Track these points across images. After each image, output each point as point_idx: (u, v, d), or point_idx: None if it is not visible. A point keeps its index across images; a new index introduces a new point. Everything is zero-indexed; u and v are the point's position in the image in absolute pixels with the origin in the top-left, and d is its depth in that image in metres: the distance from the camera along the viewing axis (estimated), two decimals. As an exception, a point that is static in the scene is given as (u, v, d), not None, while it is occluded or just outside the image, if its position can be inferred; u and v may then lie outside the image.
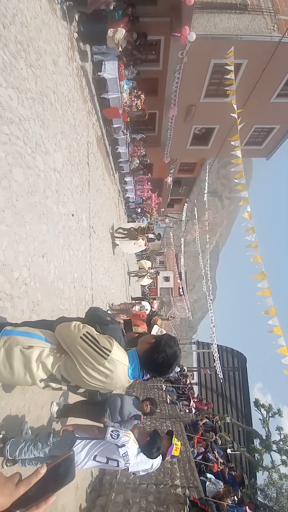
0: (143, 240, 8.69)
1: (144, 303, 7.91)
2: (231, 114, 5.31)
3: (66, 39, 4.86)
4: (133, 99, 8.46)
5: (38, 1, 3.69)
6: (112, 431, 2.46)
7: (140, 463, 2.54)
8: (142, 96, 8.83)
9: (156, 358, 1.41)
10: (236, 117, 5.42)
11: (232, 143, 5.14)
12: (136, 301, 8.67)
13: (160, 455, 2.77)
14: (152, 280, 13.30)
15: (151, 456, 2.56)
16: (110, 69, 6.44)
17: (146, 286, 30.49)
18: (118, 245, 8.60)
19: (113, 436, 2.43)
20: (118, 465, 2.43)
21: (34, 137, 3.12)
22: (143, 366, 1.45)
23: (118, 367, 1.33)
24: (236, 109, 5.50)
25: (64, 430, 2.51)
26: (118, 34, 5.36)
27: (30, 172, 2.96)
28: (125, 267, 12.02)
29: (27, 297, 2.69)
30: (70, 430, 2.52)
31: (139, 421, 3.11)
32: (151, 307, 8.71)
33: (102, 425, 2.76)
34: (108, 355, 1.30)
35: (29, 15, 3.34)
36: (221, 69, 9.35)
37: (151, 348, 1.45)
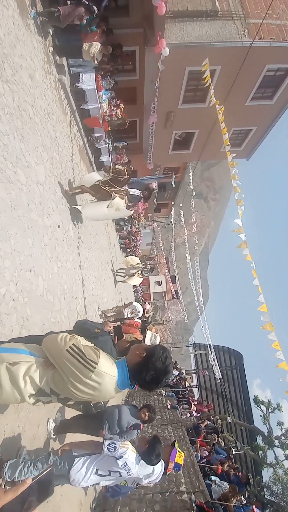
0: (122, 198, 5.41)
1: (136, 304, 7.66)
2: (221, 124, 5.44)
3: (42, 53, 4.90)
4: (112, 108, 8.57)
5: (11, 18, 3.71)
6: (108, 444, 2.44)
7: (140, 468, 2.53)
8: (121, 105, 8.96)
9: (145, 376, 1.38)
10: (222, 125, 5.55)
11: (228, 150, 5.27)
12: (128, 304, 7.92)
13: (162, 461, 2.75)
14: (142, 278, 11.38)
15: (150, 462, 2.54)
16: (88, 81, 6.52)
17: (139, 291, 30.37)
18: (81, 212, 5.36)
19: (110, 450, 2.41)
20: (120, 475, 2.42)
21: (14, 152, 3.11)
22: (132, 378, 1.43)
23: (106, 379, 1.31)
24: (220, 117, 5.63)
25: (62, 450, 2.48)
26: (94, 48, 5.44)
27: (12, 187, 2.94)
28: (108, 265, 10.42)
29: (16, 312, 2.65)
30: (67, 450, 2.48)
31: (138, 430, 3.08)
32: (143, 309, 8.01)
33: (100, 439, 2.72)
34: (94, 368, 1.28)
35: (2, 32, 3.36)
36: (196, 75, 9.64)
37: (141, 364, 1.41)
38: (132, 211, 5.65)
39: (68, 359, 1.29)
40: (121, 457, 2.40)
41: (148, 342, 4.88)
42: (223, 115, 5.60)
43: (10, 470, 2.11)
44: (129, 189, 6.33)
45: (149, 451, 2.56)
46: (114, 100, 8.78)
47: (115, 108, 8.66)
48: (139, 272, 10.63)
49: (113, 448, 2.41)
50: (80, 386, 1.28)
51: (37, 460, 2.26)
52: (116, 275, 10.87)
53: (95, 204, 5.53)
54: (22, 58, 3.89)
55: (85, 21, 5.50)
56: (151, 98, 9.81)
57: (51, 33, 5.39)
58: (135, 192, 7.10)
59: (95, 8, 5.75)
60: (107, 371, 1.32)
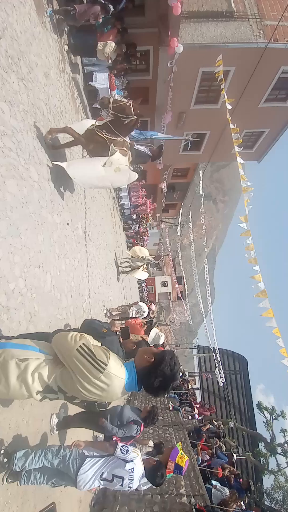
0: (124, 155, 3.95)
1: (141, 304, 7.55)
2: (230, 126, 5.41)
3: (57, 51, 4.94)
4: (124, 108, 8.57)
5: (28, 15, 3.75)
6: (122, 446, 2.47)
7: (142, 485, 2.56)
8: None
9: (153, 382, 1.38)
10: (231, 126, 5.52)
11: (237, 151, 5.22)
12: (133, 303, 7.74)
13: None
14: (147, 274, 10.22)
15: (154, 482, 2.56)
16: (101, 80, 6.54)
17: (144, 291, 30.31)
18: (67, 172, 3.76)
19: (122, 451, 2.45)
20: (122, 484, 2.43)
21: (27, 149, 3.15)
22: (139, 382, 1.42)
23: (114, 380, 1.31)
24: (229, 118, 5.60)
25: (76, 444, 2.51)
26: (108, 47, 5.46)
27: (23, 183, 2.97)
28: (111, 258, 9.34)
29: (24, 308, 2.67)
30: (81, 446, 2.52)
31: (138, 427, 3.08)
32: (149, 309, 7.86)
33: (111, 441, 2.73)
34: (104, 369, 1.28)
35: (19, 29, 3.39)
36: (209, 76, 9.56)
37: (149, 369, 1.41)
38: (137, 175, 4.11)
39: (78, 359, 1.29)
40: (131, 461, 2.42)
41: (151, 340, 4.88)
42: (232, 107, 5.48)
43: (21, 460, 2.14)
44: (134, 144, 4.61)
45: (156, 469, 2.57)
46: (127, 100, 8.78)
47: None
48: (145, 266, 9.61)
49: (125, 451, 2.44)
50: (88, 386, 1.28)
51: (48, 451, 2.30)
52: (120, 266, 9.92)
53: (86, 161, 3.99)
54: (38, 56, 3.92)
55: (100, 20, 5.52)
56: (164, 98, 9.78)
57: (66, 32, 5.44)
58: (140, 148, 5.23)
59: (111, 7, 5.76)
60: (116, 373, 1.32)
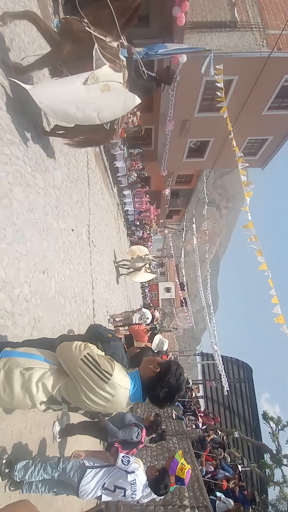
0: (117, 71, 2.60)
1: (145, 310, 7.44)
2: (230, 131, 5.46)
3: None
4: (129, 116, 8.72)
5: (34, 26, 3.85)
6: (123, 456, 2.43)
7: (145, 498, 2.50)
8: (138, 113, 9.10)
9: (159, 393, 1.37)
10: (232, 134, 5.57)
11: (239, 158, 5.27)
12: (137, 310, 7.62)
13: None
14: (151, 275, 9.28)
15: (158, 492, 2.52)
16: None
17: (148, 296, 30.16)
18: (30, 94, 2.37)
19: (124, 462, 2.40)
20: (124, 495, 2.39)
21: (33, 156, 3.20)
22: (144, 392, 1.40)
23: (119, 391, 1.29)
24: (229, 125, 5.67)
25: (76, 455, 2.47)
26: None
27: (30, 190, 3.02)
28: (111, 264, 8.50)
29: (28, 314, 2.68)
30: (82, 456, 2.48)
31: (139, 430, 3.05)
32: (153, 316, 7.68)
33: (111, 450, 2.69)
34: (109, 379, 1.26)
35: (26, 40, 3.49)
36: (213, 85, 9.68)
37: (155, 379, 1.39)
38: (137, 99, 2.76)
39: (83, 369, 1.28)
40: (133, 472, 2.37)
41: (154, 347, 4.84)
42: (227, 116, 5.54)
43: (21, 472, 2.13)
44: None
45: (159, 480, 2.52)
46: (131, 108, 8.93)
47: (131, 116, 8.80)
48: (147, 266, 8.69)
49: (126, 462, 2.39)
50: (93, 397, 1.27)
51: (47, 465, 2.27)
52: (119, 266, 9.00)
53: (60, 80, 2.64)
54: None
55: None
56: (167, 106, 9.93)
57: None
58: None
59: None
60: (121, 383, 1.30)
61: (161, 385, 1.37)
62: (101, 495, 2.43)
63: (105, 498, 2.49)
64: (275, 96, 10.41)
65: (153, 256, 9.41)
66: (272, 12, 9.61)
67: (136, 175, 12.29)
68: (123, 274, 9.25)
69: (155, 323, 8.67)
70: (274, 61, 8.65)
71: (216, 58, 8.48)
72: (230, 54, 8.79)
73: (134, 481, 2.39)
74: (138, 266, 8.52)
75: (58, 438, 3.03)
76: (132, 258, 8.70)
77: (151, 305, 28.61)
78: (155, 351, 4.80)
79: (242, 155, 5.30)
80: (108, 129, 2.94)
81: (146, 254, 8.80)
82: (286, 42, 9.11)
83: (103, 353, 1.51)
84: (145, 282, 27.37)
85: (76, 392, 1.28)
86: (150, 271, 9.11)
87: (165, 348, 5.14)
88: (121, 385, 1.30)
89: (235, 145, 5.44)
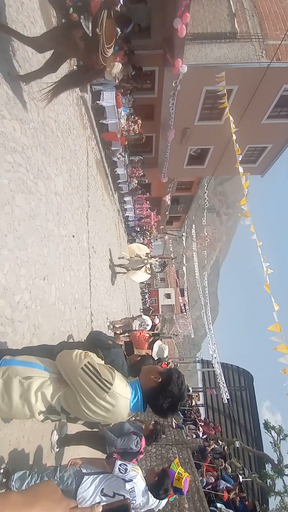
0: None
1: (145, 317, 7.23)
2: (233, 134, 5.53)
3: (66, 71, 5.15)
4: (130, 124, 8.84)
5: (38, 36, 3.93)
6: (120, 464, 2.38)
7: (146, 505, 2.44)
8: (139, 121, 9.23)
9: (162, 403, 1.35)
10: (234, 140, 5.66)
11: (238, 160, 5.34)
12: (137, 316, 7.40)
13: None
14: (149, 275, 8.50)
15: (158, 496, 2.46)
16: (108, 98, 6.78)
17: (148, 302, 30.02)
18: None
19: (121, 470, 2.34)
20: None
21: (36, 164, 3.24)
22: (146, 402, 1.38)
23: (120, 401, 1.27)
24: (232, 131, 5.75)
25: (73, 463, 2.43)
26: (115, 68, 5.66)
27: (32, 197, 3.04)
28: (119, 275, 8.37)
29: (28, 320, 2.68)
30: (78, 464, 2.44)
31: (138, 438, 3.00)
32: (152, 322, 7.46)
33: (109, 459, 2.65)
34: (109, 389, 1.25)
35: (30, 50, 3.56)
36: (213, 94, 9.85)
37: (157, 390, 1.37)
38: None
39: (83, 378, 1.26)
40: (131, 480, 2.32)
41: (154, 354, 4.78)
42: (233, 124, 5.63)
43: (18, 482, 2.09)
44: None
45: (158, 485, 2.47)
46: (132, 116, 9.06)
47: (132, 124, 8.93)
48: (147, 266, 7.99)
49: (124, 470, 2.34)
50: (93, 407, 1.25)
51: (44, 475, 2.23)
52: (116, 266, 8.37)
53: None
54: (48, 76, 4.09)
55: (108, 43, 5.76)
56: (168, 115, 10.06)
57: (76, 54, 5.67)
58: None
59: (119, 30, 6.03)
60: (122, 393, 1.28)
61: (164, 395, 1.35)
62: (99, 502, 2.38)
63: (103, 502, 2.44)
64: (274, 105, 10.55)
65: (155, 259, 8.63)
66: (272, 22, 9.79)
67: (136, 181, 12.39)
68: (120, 273, 8.59)
69: (156, 331, 8.58)
70: (274, 71, 8.80)
71: (218, 70, 8.67)
72: (230, 65, 8.95)
73: (133, 489, 2.34)
74: (137, 266, 7.82)
75: (56, 448, 2.98)
76: (131, 257, 8.03)
77: (151, 308, 28.41)
78: (156, 359, 4.75)
79: (240, 155, 5.35)
80: (90, 37, 2.50)
81: (146, 253, 8.03)
82: (285, 52, 9.28)
83: (103, 362, 1.50)
84: (143, 283, 27.29)
85: (76, 402, 1.26)
86: (150, 271, 8.41)
87: (165, 355, 5.07)
88: (121, 395, 1.28)
89: (237, 147, 5.49)
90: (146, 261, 7.83)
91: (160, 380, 1.39)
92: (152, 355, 4.62)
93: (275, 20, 9.86)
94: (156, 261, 8.81)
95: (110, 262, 7.92)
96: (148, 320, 6.81)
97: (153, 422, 3.37)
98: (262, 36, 9.51)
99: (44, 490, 0.66)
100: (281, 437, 9.53)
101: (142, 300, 27.17)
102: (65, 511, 0.67)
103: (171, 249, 28.09)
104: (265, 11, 9.97)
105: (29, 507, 0.61)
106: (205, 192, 17.06)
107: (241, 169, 5.36)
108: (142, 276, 8.10)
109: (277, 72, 9.00)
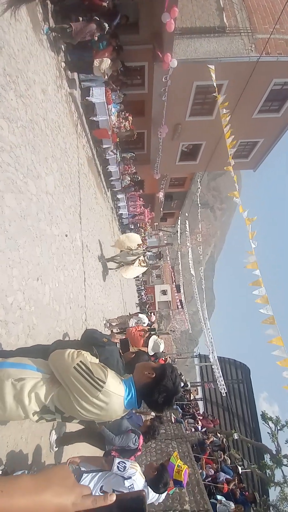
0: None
1: (142, 315, 7.11)
2: (225, 131, 5.53)
3: (54, 68, 5.07)
4: (121, 120, 8.76)
5: (24, 32, 3.85)
6: (119, 462, 2.39)
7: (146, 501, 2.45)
8: (130, 117, 9.15)
9: (157, 398, 1.36)
10: (226, 131, 5.65)
11: (230, 164, 5.37)
12: (133, 314, 7.23)
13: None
14: (144, 268, 7.64)
15: (158, 491, 2.48)
16: (98, 94, 6.70)
17: (143, 294, 29.94)
18: None
19: (119, 468, 2.35)
20: None
21: (25, 163, 3.19)
22: (140, 398, 1.39)
23: (113, 398, 1.28)
24: (223, 124, 5.75)
25: (71, 462, 2.43)
26: (104, 64, 5.62)
27: (22, 197, 3.00)
28: (113, 273, 7.86)
29: (22, 321, 2.66)
30: (77, 462, 2.44)
31: (136, 436, 3.02)
32: (149, 320, 7.27)
33: (107, 457, 2.65)
34: (102, 387, 1.25)
35: (16, 47, 3.49)
36: (203, 90, 9.83)
37: (151, 385, 1.38)
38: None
39: (75, 377, 1.26)
40: (130, 477, 2.33)
41: (150, 349, 4.78)
42: (228, 116, 5.62)
43: None
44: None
45: (157, 479, 2.48)
46: (123, 113, 8.98)
47: (123, 120, 8.85)
48: (141, 259, 7.19)
49: (122, 468, 2.35)
50: (86, 406, 1.25)
51: None
52: (107, 260, 7.61)
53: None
54: (35, 74, 4.03)
55: (96, 38, 5.70)
56: (159, 111, 10.01)
57: (63, 49, 5.60)
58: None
59: (106, 25, 5.96)
60: (115, 390, 1.29)
61: (158, 390, 1.36)
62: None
63: None
64: (264, 100, 10.58)
65: (147, 249, 7.41)
66: (261, 16, 9.76)
67: (129, 179, 12.33)
68: (112, 268, 7.92)
69: (152, 322, 8.52)
70: (263, 65, 8.80)
71: (207, 62, 8.63)
72: (220, 59, 8.92)
73: (132, 485, 2.35)
74: (129, 260, 6.98)
75: (55, 447, 2.98)
76: (121, 251, 7.22)
77: (147, 303, 28.36)
78: (151, 354, 4.75)
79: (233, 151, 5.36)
80: None
81: (138, 245, 7.15)
82: (274, 46, 9.28)
83: (97, 360, 1.50)
84: (138, 280, 27.08)
85: (69, 401, 1.26)
86: (145, 264, 7.54)
87: (161, 350, 5.04)
88: (115, 393, 1.28)
89: (229, 141, 5.49)
90: (137, 252, 6.96)
91: (154, 375, 1.41)
92: (148, 351, 4.62)
93: (264, 13, 9.83)
94: (148, 250, 7.93)
95: (101, 259, 7.27)
96: (144, 318, 6.79)
97: (151, 418, 3.38)
98: (251, 30, 9.48)
99: (57, 475, 0.64)
100: (278, 428, 9.70)
101: (138, 297, 27.21)
102: (78, 498, 0.64)
103: (165, 246, 28.13)
104: (254, 5, 9.94)
105: (40, 492, 0.59)
106: (198, 188, 17.08)
107: (232, 163, 5.37)
108: (135, 271, 7.36)
109: (266, 66, 9.01)
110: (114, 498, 0.68)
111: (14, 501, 0.55)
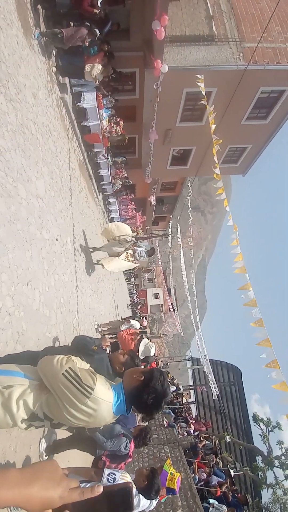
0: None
1: (133, 322, 6.96)
2: (213, 139, 5.64)
3: (45, 73, 5.08)
4: (112, 125, 8.82)
5: (15, 37, 3.86)
6: (108, 474, 2.35)
7: (137, 507, 2.43)
8: (121, 122, 9.22)
9: (146, 400, 1.37)
10: (213, 140, 5.77)
11: (215, 167, 5.47)
12: (125, 320, 7.14)
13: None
14: (131, 264, 6.95)
15: (150, 498, 2.44)
16: (89, 100, 6.74)
17: (135, 298, 29.77)
18: None
19: (109, 480, 2.30)
20: None
21: (15, 167, 3.17)
22: (129, 402, 1.39)
23: (102, 405, 1.27)
24: (212, 131, 5.86)
25: None
26: (95, 69, 5.66)
27: (11, 201, 2.98)
28: (106, 277, 7.40)
29: (11, 327, 2.62)
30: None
31: (128, 440, 3.00)
32: (141, 325, 7.25)
33: (97, 469, 2.61)
34: (90, 394, 1.24)
35: (6, 51, 3.49)
36: (193, 96, 10.00)
37: (140, 387, 1.39)
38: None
39: (64, 384, 1.25)
40: None
41: (140, 353, 4.75)
42: (213, 118, 5.73)
43: None
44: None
45: (149, 487, 2.44)
46: (114, 118, 9.05)
47: (115, 125, 8.91)
48: (129, 253, 6.49)
49: (112, 479, 2.30)
50: (75, 413, 1.24)
51: None
52: (91, 249, 6.85)
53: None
54: (26, 78, 4.02)
55: (87, 43, 5.74)
56: (150, 116, 10.12)
57: (54, 54, 5.61)
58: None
59: (97, 31, 6.02)
60: (103, 397, 1.28)
61: (147, 391, 1.38)
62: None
63: None
64: (252, 107, 10.85)
65: (137, 240, 6.45)
66: (249, 24, 10.02)
67: (121, 183, 12.37)
68: (97, 264, 7.00)
69: (143, 326, 8.48)
70: (251, 73, 9.06)
71: (197, 72, 8.80)
72: (209, 67, 9.12)
73: None
74: (116, 251, 6.20)
75: (45, 456, 2.93)
76: (108, 241, 6.46)
77: (139, 304, 28.22)
78: (141, 358, 4.73)
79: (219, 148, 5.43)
80: None
81: (125, 235, 6.24)
82: (262, 55, 9.56)
83: (88, 365, 1.49)
84: (131, 284, 26.85)
85: (58, 408, 1.25)
86: (132, 259, 6.74)
87: (152, 353, 5.01)
88: (103, 399, 1.28)
89: (218, 148, 5.60)
90: (125, 240, 6.08)
91: (142, 378, 1.42)
92: (139, 355, 4.60)
93: (252, 22, 10.10)
94: (138, 246, 7.09)
95: (85, 252, 6.32)
96: (136, 324, 6.73)
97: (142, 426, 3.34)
98: (239, 38, 9.73)
99: (45, 469, 0.65)
100: (269, 429, 9.77)
101: (130, 301, 27.13)
102: (65, 491, 0.66)
103: (157, 251, 28.20)
104: (242, 13, 10.21)
105: (27, 486, 0.60)
106: (189, 192, 17.27)
107: (218, 171, 5.47)
108: (120, 264, 6.50)
109: (254, 74, 9.26)
110: (101, 489, 0.69)
111: (1, 493, 0.55)
